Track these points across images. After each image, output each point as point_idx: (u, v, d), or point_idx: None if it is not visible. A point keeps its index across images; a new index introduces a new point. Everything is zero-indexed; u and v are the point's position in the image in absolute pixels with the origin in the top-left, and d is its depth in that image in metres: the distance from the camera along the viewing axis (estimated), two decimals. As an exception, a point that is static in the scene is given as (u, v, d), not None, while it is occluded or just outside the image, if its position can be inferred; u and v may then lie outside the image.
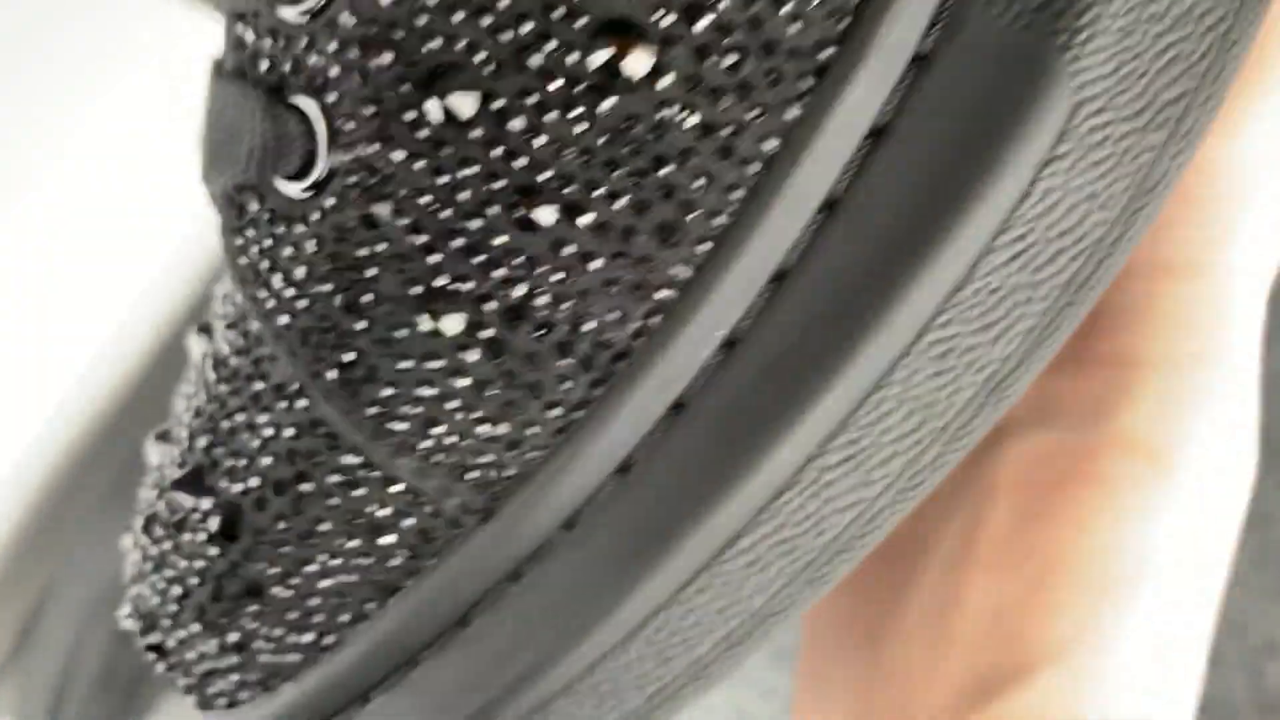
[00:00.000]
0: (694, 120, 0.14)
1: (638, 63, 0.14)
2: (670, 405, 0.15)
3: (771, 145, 0.14)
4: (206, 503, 0.17)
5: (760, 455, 0.14)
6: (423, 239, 0.15)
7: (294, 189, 0.16)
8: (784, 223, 0.14)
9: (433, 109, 0.15)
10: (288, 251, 0.16)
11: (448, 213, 0.15)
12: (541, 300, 0.15)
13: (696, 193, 0.15)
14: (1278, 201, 0.19)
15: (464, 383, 0.15)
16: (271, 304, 0.16)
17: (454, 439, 0.15)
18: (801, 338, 0.14)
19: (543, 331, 0.15)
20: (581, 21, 0.14)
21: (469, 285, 0.15)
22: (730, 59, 0.14)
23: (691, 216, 0.15)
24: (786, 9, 0.14)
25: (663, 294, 0.15)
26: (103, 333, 0.38)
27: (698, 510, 0.14)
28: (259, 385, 0.17)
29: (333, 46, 0.15)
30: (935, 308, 0.14)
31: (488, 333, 0.15)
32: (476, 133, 0.15)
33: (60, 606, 0.38)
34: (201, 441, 0.17)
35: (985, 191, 0.14)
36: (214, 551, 0.16)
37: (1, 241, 0.37)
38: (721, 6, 0.14)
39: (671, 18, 0.14)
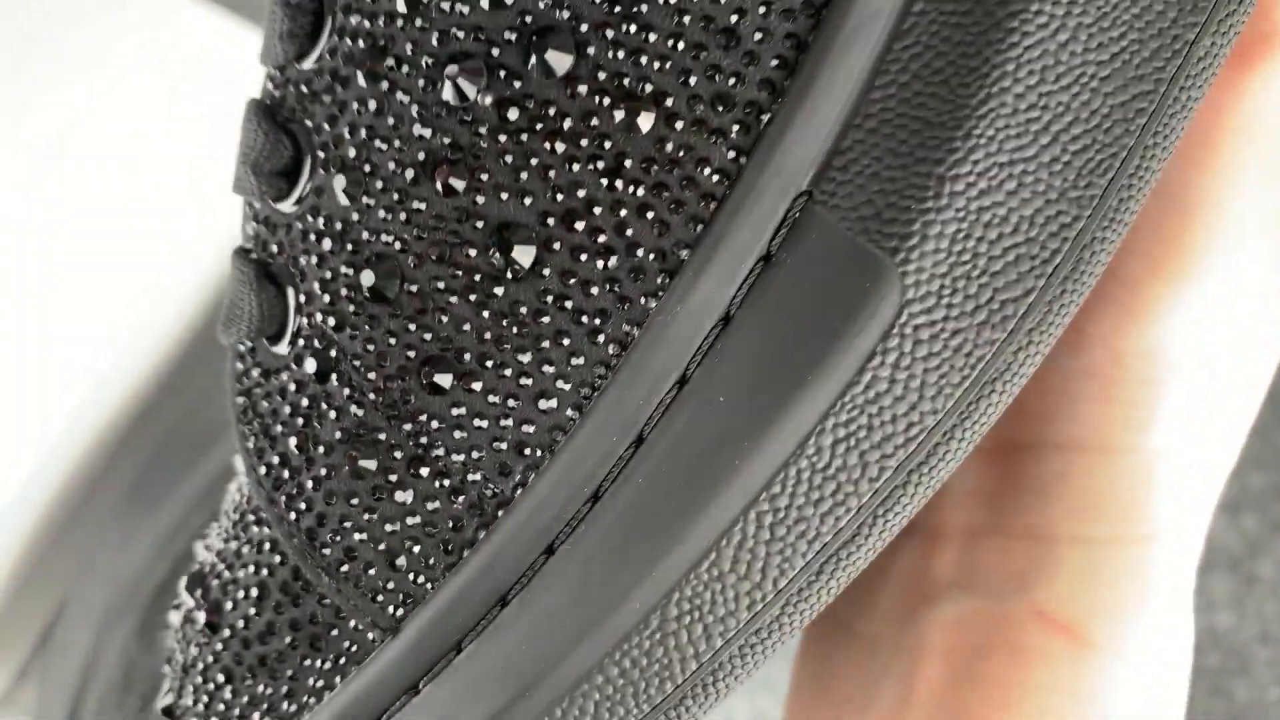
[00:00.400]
0: (568, 306, 0.18)
1: (524, 259, 0.18)
2: (544, 549, 0.19)
3: (632, 331, 0.18)
4: (201, 600, 0.21)
5: (613, 601, 0.18)
6: (354, 395, 0.20)
7: (274, 349, 0.20)
8: (640, 396, 0.18)
9: (366, 289, 0.19)
10: (264, 399, 0.21)
11: (372, 375, 0.19)
12: (439, 452, 0.19)
13: (569, 368, 0.19)
14: (1209, 386, 0.21)
15: (372, 518, 0.19)
16: (250, 441, 0.21)
17: (366, 566, 0.19)
18: (652, 498, 0.18)
19: (439, 479, 0.19)
20: (481, 224, 0.19)
21: (383, 435, 0.19)
22: (601, 257, 0.18)
23: (564, 387, 0.19)
24: (651, 215, 0.18)
25: (540, 452, 0.19)
26: (120, 337, 0.41)
27: (561, 645, 0.18)
28: (245, 506, 0.22)
29: (302, 233, 0.20)
30: (765, 480, 0.18)
31: (395, 476, 0.19)
32: (398, 311, 0.19)
33: (79, 610, 0.42)
34: (211, 549, 0.22)
35: (812, 378, 0.18)
36: (203, 640, 0.21)
37: (23, 244, 0.41)
38: (596, 212, 0.18)
39: (552, 221, 0.18)
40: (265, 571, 0.21)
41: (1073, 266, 0.18)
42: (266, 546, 0.21)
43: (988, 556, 0.22)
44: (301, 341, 0.20)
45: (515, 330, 0.19)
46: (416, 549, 0.19)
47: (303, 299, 0.20)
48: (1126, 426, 0.21)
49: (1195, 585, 0.22)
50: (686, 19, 0.18)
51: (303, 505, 0.20)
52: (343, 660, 0.20)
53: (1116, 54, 0.18)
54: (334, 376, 0.20)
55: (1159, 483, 0.21)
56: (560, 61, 0.18)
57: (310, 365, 0.20)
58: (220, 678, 0.21)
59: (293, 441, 0.20)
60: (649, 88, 0.18)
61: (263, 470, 0.20)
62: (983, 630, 0.21)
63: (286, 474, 0.20)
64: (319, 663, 0.20)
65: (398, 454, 0.19)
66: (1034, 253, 0.18)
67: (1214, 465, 0.22)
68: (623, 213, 0.18)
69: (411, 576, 0.19)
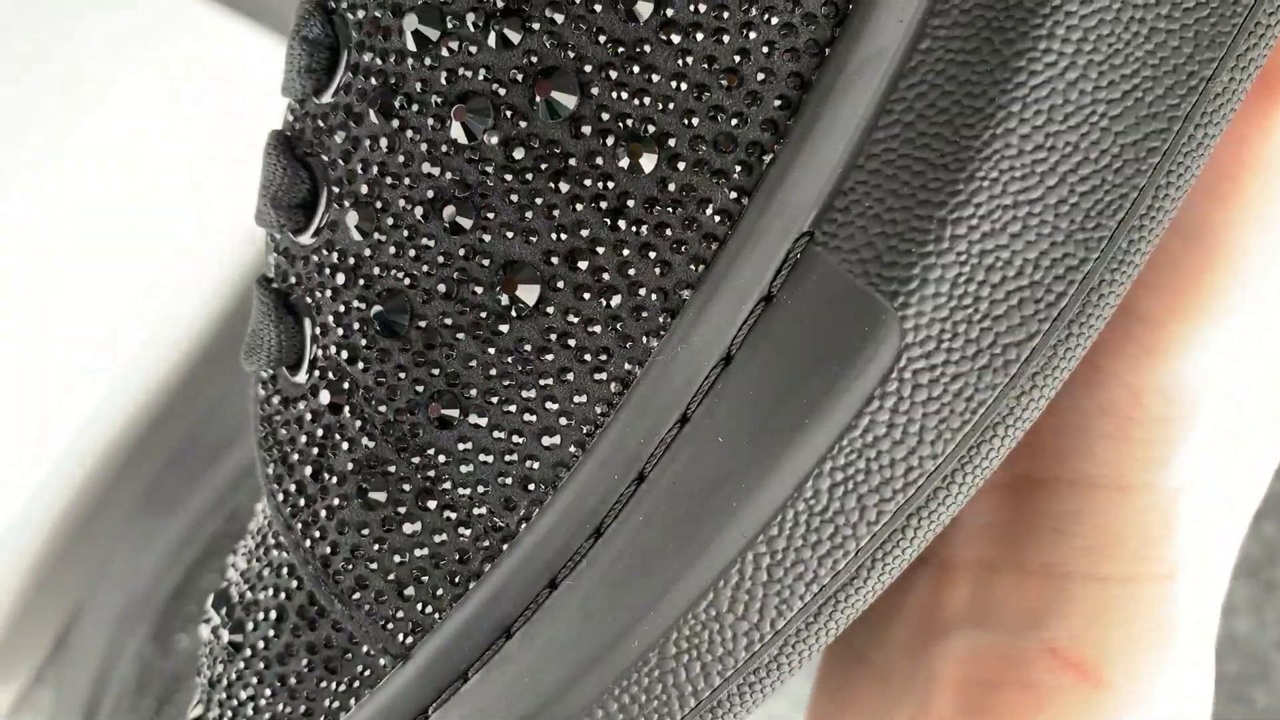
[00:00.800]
0: (571, 344, 0.19)
1: (528, 297, 0.18)
2: (548, 583, 0.19)
3: (634, 370, 0.19)
4: (226, 618, 0.22)
5: (613, 637, 0.19)
6: (365, 427, 0.20)
7: (293, 378, 0.21)
8: (642, 434, 0.19)
9: (376, 323, 0.20)
10: (283, 427, 0.21)
11: (383, 408, 0.20)
12: (446, 485, 0.19)
13: (572, 405, 0.19)
14: (1234, 420, 0.21)
15: (382, 548, 0.20)
16: (270, 468, 0.21)
17: (377, 595, 0.20)
18: (652, 536, 0.19)
19: (446, 512, 0.19)
20: (487, 262, 0.19)
21: (393, 468, 0.19)
22: (604, 296, 0.18)
23: (568, 424, 0.19)
24: (653, 255, 0.18)
25: (544, 488, 0.19)
26: (133, 345, 0.42)
27: (563, 679, 0.19)
28: (266, 529, 0.22)
29: (318, 266, 0.20)
30: (763, 522, 0.18)
31: (403, 508, 0.19)
32: (407, 346, 0.20)
33: (94, 615, 0.43)
34: (237, 569, 0.23)
35: (810, 421, 0.18)
36: (227, 658, 0.22)
37: (32, 249, 0.41)
38: (600, 251, 0.18)
39: (556, 260, 0.18)
40: (283, 595, 0.21)
41: (1079, 309, 0.18)
42: (285, 571, 0.21)
43: (1001, 591, 0.22)
44: (317, 372, 0.20)
45: (520, 367, 0.19)
46: (425, 579, 0.20)
47: (318, 331, 0.20)
48: (1144, 464, 0.21)
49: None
50: (690, 60, 0.18)
51: (317, 533, 0.20)
52: (357, 684, 0.20)
53: (1128, 92, 0.18)
54: (347, 408, 0.20)
55: (1179, 520, 0.21)
56: (565, 102, 0.18)
57: (325, 396, 0.20)
58: (243, 694, 0.21)
59: (308, 470, 0.20)
60: (652, 128, 0.18)
61: (280, 497, 0.21)
62: (995, 665, 0.21)
63: (302, 502, 0.21)
64: (335, 685, 0.21)
65: (406, 486, 0.20)
66: (1038, 296, 0.18)
67: (1240, 500, 0.22)
68: (625, 252, 0.19)
69: (420, 606, 0.20)
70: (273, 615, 0.21)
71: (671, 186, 0.18)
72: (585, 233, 0.19)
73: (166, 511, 0.43)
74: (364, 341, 0.20)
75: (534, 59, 0.18)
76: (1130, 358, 0.21)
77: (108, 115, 0.42)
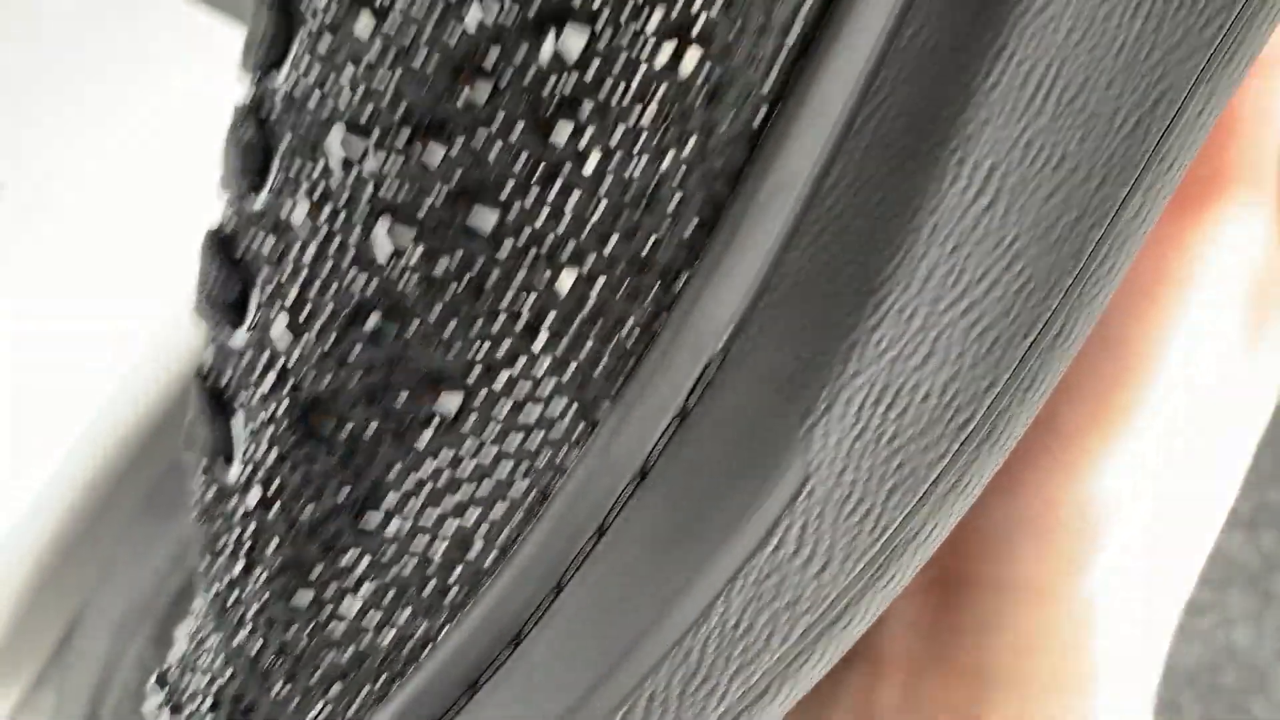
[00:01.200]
0: (492, 454, 0.19)
1: (449, 407, 0.19)
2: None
3: (553, 482, 0.19)
4: (166, 699, 0.23)
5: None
6: (292, 529, 0.21)
7: (227, 472, 0.21)
8: (561, 544, 0.19)
9: (304, 428, 0.20)
10: (218, 519, 0.22)
11: (308, 510, 0.20)
12: (369, 589, 0.20)
13: (491, 515, 0.19)
14: (1156, 524, 0.21)
15: (307, 647, 0.20)
16: (205, 560, 0.22)
17: (305, 693, 0.21)
18: (569, 646, 0.19)
19: (370, 614, 0.20)
20: (408, 372, 0.19)
21: (318, 571, 0.20)
22: (522, 409, 0.19)
23: (487, 533, 0.19)
24: (571, 370, 0.19)
25: (464, 596, 0.20)
26: (137, 347, 0.42)
27: None
28: (203, 618, 0.23)
29: (249, 365, 0.21)
30: (677, 637, 0.19)
31: (327, 610, 0.20)
32: (332, 451, 0.20)
33: (96, 618, 0.43)
34: (177, 649, 0.23)
35: (722, 539, 0.18)
36: None
37: (30, 251, 0.42)
38: (519, 365, 0.19)
39: (476, 372, 0.19)
40: (218, 684, 0.22)
41: (988, 432, 0.19)
42: (218, 661, 0.22)
43: (930, 688, 0.22)
44: (250, 469, 0.21)
45: (441, 476, 0.19)
46: (350, 678, 0.20)
47: (250, 430, 0.21)
48: (1063, 570, 0.21)
49: (1214, 602, 0.22)
50: (608, 182, 0.18)
51: (249, 628, 0.21)
52: None
53: (1038, 219, 0.18)
54: (276, 507, 0.20)
55: (1100, 621, 0.21)
56: (485, 219, 0.19)
57: (255, 494, 0.21)
58: None
59: (239, 566, 0.21)
60: (570, 247, 0.19)
61: (214, 589, 0.21)
62: None
63: (234, 596, 0.21)
64: None
65: (330, 589, 0.20)
66: (947, 418, 0.18)
67: (1167, 592, 0.22)
68: (545, 366, 0.19)
69: (345, 707, 0.20)
70: (208, 703, 0.22)
71: (589, 304, 0.19)
72: (505, 346, 0.19)
73: (169, 515, 0.43)
74: (291, 444, 0.20)
75: (456, 176, 0.19)
76: (1045, 470, 0.21)
77: (108, 119, 0.42)
